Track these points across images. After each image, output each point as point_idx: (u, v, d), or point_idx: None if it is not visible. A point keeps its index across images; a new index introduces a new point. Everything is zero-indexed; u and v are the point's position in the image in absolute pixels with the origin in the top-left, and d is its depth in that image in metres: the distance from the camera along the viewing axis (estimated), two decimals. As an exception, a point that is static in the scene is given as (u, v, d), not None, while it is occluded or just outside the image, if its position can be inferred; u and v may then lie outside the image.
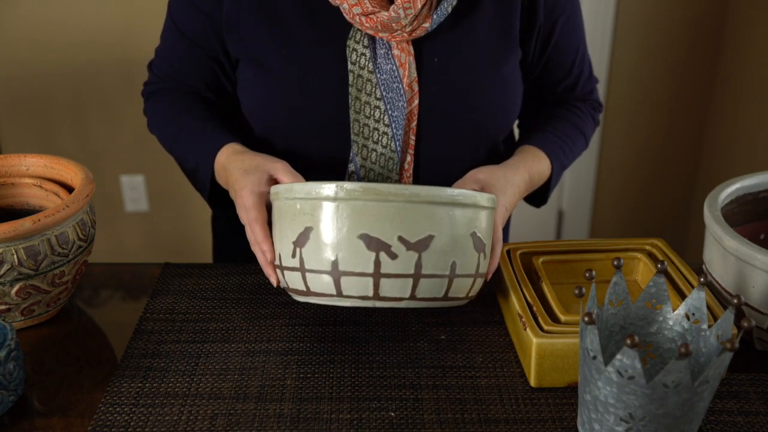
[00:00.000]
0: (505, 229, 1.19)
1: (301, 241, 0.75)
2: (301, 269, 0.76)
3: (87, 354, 0.86)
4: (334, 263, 0.73)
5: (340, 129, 0.96)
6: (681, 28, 2.27)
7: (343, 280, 0.74)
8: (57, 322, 0.91)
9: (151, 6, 2.16)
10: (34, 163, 0.96)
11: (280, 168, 0.86)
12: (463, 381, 0.81)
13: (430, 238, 0.73)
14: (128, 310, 0.94)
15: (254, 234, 0.83)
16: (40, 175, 0.96)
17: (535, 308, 0.82)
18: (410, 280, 0.74)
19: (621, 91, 2.36)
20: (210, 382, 0.81)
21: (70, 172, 0.94)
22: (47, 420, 0.76)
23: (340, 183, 0.73)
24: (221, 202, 1.01)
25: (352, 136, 0.95)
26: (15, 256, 0.81)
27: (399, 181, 0.98)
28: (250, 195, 0.84)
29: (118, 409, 0.77)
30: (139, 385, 0.80)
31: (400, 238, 0.72)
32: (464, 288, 0.78)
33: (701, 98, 2.37)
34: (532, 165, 0.98)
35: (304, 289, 0.77)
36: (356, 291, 0.74)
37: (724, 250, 0.82)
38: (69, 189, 0.94)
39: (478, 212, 0.77)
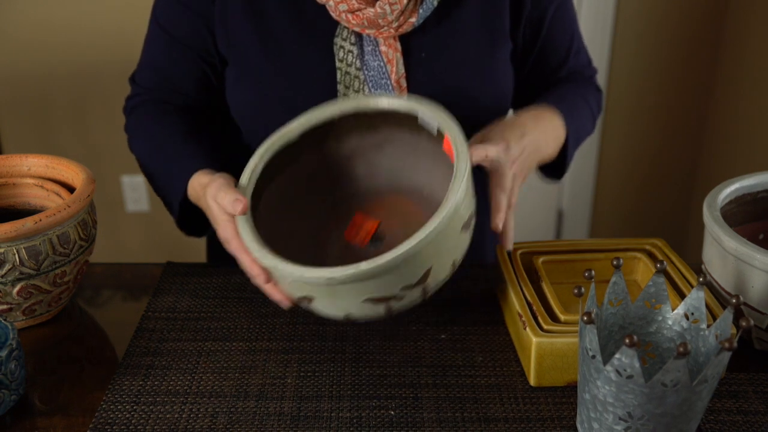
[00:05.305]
0: None
1: (304, 302, 0.76)
2: (312, 314, 0.79)
3: (88, 353, 0.86)
4: (346, 317, 0.75)
5: None
6: (681, 27, 2.27)
7: (357, 321, 0.78)
8: (58, 322, 0.92)
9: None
10: (35, 163, 0.96)
11: (215, 186, 0.80)
12: (463, 380, 0.81)
13: (430, 270, 0.73)
14: (129, 309, 0.94)
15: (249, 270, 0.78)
16: (42, 175, 0.96)
17: (534, 308, 0.82)
18: (420, 298, 0.76)
19: (620, 91, 2.36)
20: (211, 380, 0.81)
21: (72, 172, 0.94)
22: (49, 419, 0.76)
23: (332, 273, 0.69)
24: (194, 228, 0.98)
25: None
26: (16, 256, 0.81)
27: None
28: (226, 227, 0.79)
29: (119, 408, 0.77)
30: (141, 383, 0.81)
31: (404, 287, 0.73)
32: (461, 257, 0.78)
33: (701, 98, 2.37)
34: (531, 109, 0.95)
35: (319, 316, 0.80)
36: (370, 318, 0.77)
37: (724, 250, 0.82)
38: (70, 189, 0.95)
39: (456, 209, 0.71)
